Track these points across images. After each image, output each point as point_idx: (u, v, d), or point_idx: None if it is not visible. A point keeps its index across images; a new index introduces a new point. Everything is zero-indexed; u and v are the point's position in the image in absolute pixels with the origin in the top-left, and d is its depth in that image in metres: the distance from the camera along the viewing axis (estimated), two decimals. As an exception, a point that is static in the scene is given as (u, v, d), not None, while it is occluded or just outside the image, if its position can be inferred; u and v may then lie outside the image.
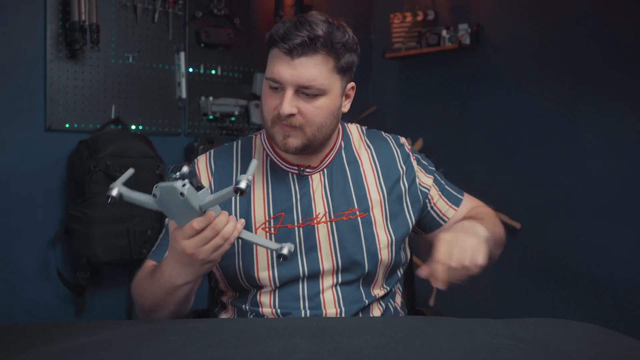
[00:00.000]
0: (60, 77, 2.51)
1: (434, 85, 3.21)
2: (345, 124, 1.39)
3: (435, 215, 1.39)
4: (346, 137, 1.36)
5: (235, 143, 1.36)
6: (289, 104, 1.17)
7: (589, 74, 2.60)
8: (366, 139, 1.37)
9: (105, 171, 2.40)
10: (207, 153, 1.35)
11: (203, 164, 1.32)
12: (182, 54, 2.82)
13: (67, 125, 2.54)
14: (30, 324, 1.08)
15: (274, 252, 1.07)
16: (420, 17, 3.15)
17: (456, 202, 1.40)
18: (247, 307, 1.28)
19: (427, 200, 1.37)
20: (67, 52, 2.51)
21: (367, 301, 1.29)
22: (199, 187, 0.99)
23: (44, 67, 2.47)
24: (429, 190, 1.36)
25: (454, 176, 1.43)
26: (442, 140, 3.11)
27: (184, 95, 2.83)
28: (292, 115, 1.18)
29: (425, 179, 1.36)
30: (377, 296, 1.31)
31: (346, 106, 1.29)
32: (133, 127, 2.70)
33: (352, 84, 1.28)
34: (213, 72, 2.99)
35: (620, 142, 2.51)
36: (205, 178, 1.30)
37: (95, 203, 2.40)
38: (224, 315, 1.34)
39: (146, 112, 2.76)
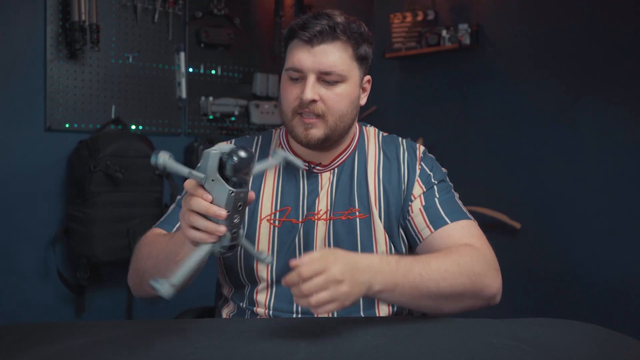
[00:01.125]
0: (60, 77, 2.51)
1: (434, 85, 3.21)
2: (364, 126, 1.38)
3: (412, 231, 1.26)
4: (362, 140, 1.34)
5: (256, 136, 1.39)
6: (311, 89, 1.18)
7: (589, 74, 2.60)
8: (380, 144, 1.34)
9: (105, 171, 2.40)
10: (229, 142, 1.35)
11: None
12: (182, 54, 2.82)
13: (67, 125, 2.54)
14: (30, 324, 1.08)
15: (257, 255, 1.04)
16: (420, 17, 3.15)
17: (436, 223, 1.22)
18: (245, 305, 1.28)
19: (407, 212, 1.26)
20: (67, 52, 2.51)
21: (363, 314, 1.25)
22: (236, 181, 0.94)
23: (44, 67, 2.47)
24: (412, 201, 1.26)
25: (453, 176, 1.41)
26: (442, 140, 3.11)
27: (184, 95, 2.83)
28: (314, 102, 1.19)
29: (416, 189, 1.26)
30: (378, 313, 1.26)
31: (363, 99, 1.30)
32: (133, 127, 2.70)
33: (368, 77, 1.29)
34: (213, 72, 2.99)
35: (619, 142, 2.51)
36: None
37: (95, 203, 2.40)
38: (226, 310, 1.34)
39: (146, 112, 2.76)
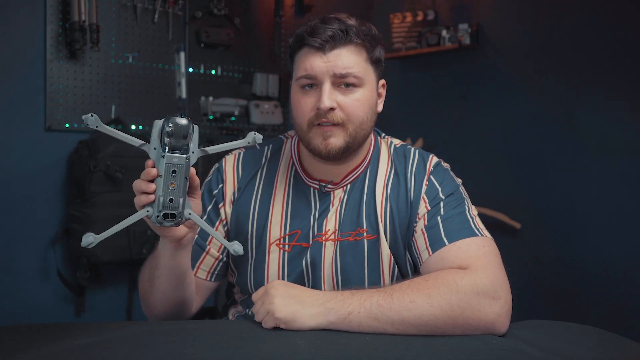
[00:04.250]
0: (60, 77, 2.51)
1: (434, 85, 3.21)
2: (380, 139, 1.30)
3: (415, 253, 1.19)
4: (375, 153, 1.27)
5: (266, 147, 1.31)
6: (328, 97, 1.11)
7: (589, 74, 2.60)
8: (392, 157, 1.27)
9: (105, 171, 2.40)
10: (237, 155, 1.30)
11: (230, 167, 1.29)
12: (182, 54, 2.82)
13: (67, 125, 2.54)
14: (30, 324, 1.08)
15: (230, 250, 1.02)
16: (420, 17, 3.15)
17: (435, 245, 1.14)
18: (250, 312, 1.27)
19: (412, 233, 1.19)
20: (67, 52, 2.51)
21: None
22: (176, 147, 0.95)
23: (44, 67, 2.47)
24: (417, 222, 1.19)
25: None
26: (442, 140, 3.11)
27: (184, 95, 2.83)
28: (332, 110, 1.12)
29: (421, 208, 1.19)
30: None
31: (380, 105, 1.23)
32: (133, 127, 2.70)
33: (382, 81, 1.23)
34: (213, 72, 2.99)
35: (620, 141, 2.51)
36: (231, 181, 1.27)
37: (95, 203, 2.40)
38: (232, 310, 1.34)
39: (146, 112, 2.76)
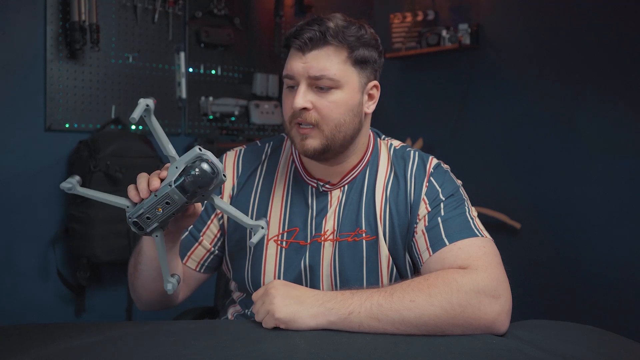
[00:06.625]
0: (60, 77, 2.51)
1: (434, 85, 3.21)
2: (379, 140, 1.31)
3: (415, 254, 1.19)
4: (374, 154, 1.28)
5: (267, 144, 1.33)
6: (301, 97, 1.13)
7: (590, 74, 2.60)
8: (391, 159, 1.27)
9: (105, 171, 2.40)
10: (238, 151, 1.32)
11: (230, 163, 1.30)
12: (182, 54, 2.82)
13: (67, 125, 2.54)
14: (30, 324, 1.08)
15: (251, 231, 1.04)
16: (420, 17, 3.15)
17: (435, 246, 1.14)
18: (249, 312, 1.27)
19: (412, 234, 1.20)
20: (67, 52, 2.51)
21: None
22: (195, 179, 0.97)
23: (44, 67, 2.47)
24: (417, 223, 1.19)
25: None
26: (442, 140, 3.11)
27: (184, 95, 2.83)
28: (306, 110, 1.14)
29: (422, 210, 1.20)
30: None
31: (370, 107, 1.22)
32: (133, 127, 2.70)
33: (374, 82, 1.21)
34: (213, 72, 2.99)
35: (620, 141, 2.51)
36: (230, 177, 1.28)
37: (95, 203, 2.39)
38: (231, 310, 1.34)
39: (146, 112, 2.76)
